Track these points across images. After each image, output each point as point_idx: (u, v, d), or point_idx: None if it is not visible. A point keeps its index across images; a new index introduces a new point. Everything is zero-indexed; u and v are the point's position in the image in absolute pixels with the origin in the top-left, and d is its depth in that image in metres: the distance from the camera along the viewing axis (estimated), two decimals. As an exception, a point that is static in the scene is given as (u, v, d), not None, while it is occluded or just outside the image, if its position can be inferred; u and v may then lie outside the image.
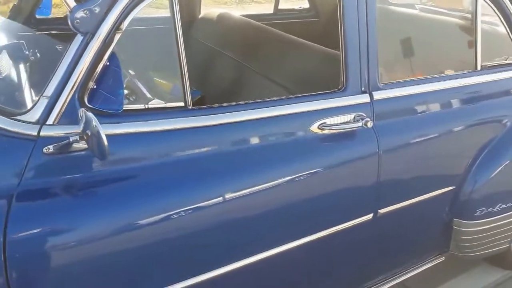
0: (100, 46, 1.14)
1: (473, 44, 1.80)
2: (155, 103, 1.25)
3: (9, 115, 1.14)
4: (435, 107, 1.70)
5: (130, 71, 1.40)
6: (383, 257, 1.77)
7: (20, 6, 2.03)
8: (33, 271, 1.10)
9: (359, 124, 1.47)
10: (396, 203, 1.65)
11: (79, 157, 1.14)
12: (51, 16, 2.06)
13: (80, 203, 1.13)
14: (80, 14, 1.11)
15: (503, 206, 1.90)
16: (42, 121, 1.12)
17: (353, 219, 1.54)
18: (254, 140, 1.37)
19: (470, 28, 1.81)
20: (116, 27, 1.15)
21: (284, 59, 1.85)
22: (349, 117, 1.48)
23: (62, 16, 1.92)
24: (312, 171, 1.43)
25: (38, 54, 1.46)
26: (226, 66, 2.10)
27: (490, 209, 1.87)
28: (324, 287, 1.69)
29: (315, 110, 1.44)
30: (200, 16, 2.59)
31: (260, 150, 1.37)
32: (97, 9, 1.12)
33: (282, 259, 1.43)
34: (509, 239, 2.06)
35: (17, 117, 1.14)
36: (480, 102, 1.81)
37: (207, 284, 1.30)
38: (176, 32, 1.22)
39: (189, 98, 1.26)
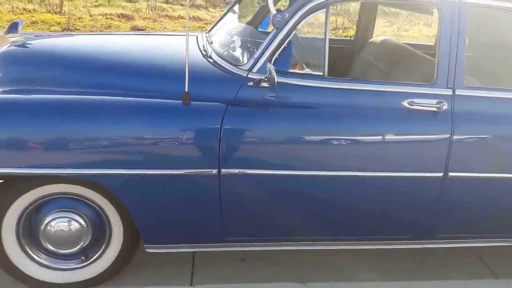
0: (283, 37, 2.19)
1: None
2: (307, 71, 2.25)
3: (235, 65, 2.28)
4: (506, 112, 2.31)
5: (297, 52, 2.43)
6: (450, 217, 2.40)
7: (252, 20, 3.24)
8: (233, 148, 2.18)
9: (437, 106, 2.22)
10: (465, 172, 2.30)
11: (264, 88, 2.20)
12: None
13: (261, 113, 2.19)
14: (277, 17, 2.18)
15: None
16: (249, 69, 2.22)
17: (425, 173, 2.27)
18: (363, 102, 2.25)
19: None
20: (293, 27, 2.19)
21: (406, 65, 2.67)
22: (433, 101, 2.25)
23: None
24: (398, 130, 2.25)
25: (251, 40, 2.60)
26: (365, 67, 3.00)
27: None
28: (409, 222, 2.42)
29: (410, 92, 2.27)
30: (370, 40, 3.51)
31: (367, 109, 2.25)
32: (286, 16, 2.18)
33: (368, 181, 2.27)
34: None
35: (240, 66, 2.26)
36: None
37: None
38: (326, 37, 2.20)
39: (326, 71, 2.22)
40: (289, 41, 2.22)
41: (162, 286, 2.49)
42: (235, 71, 2.26)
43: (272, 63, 2.20)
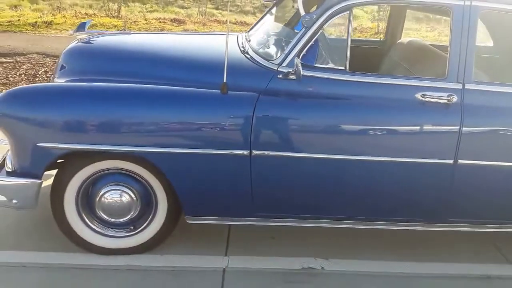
0: (311, 35, 2.49)
1: None
2: (331, 65, 2.54)
3: (268, 60, 2.60)
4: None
5: (321, 49, 2.72)
6: (461, 202, 2.62)
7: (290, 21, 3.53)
8: (263, 132, 2.49)
9: (448, 98, 2.47)
10: (474, 160, 2.53)
11: (292, 80, 2.50)
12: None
13: (289, 102, 2.50)
14: (306, 17, 2.49)
15: None
16: (280, 64, 2.54)
17: (435, 159, 2.52)
18: (380, 94, 2.53)
19: None
20: (320, 27, 2.49)
21: (426, 62, 2.93)
22: (443, 94, 2.50)
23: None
24: (412, 120, 2.51)
25: (284, 39, 2.90)
26: (391, 65, 3.26)
27: None
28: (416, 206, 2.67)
29: (423, 86, 2.53)
30: (398, 40, 3.76)
31: (384, 100, 2.52)
32: (314, 17, 2.48)
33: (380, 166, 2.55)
34: None
35: (272, 61, 2.58)
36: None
37: None
38: (348, 36, 2.49)
39: (347, 66, 2.51)
40: (316, 39, 2.52)
41: (199, 255, 2.82)
42: (267, 65, 2.59)
43: (300, 58, 2.51)
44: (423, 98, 2.51)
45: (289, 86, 2.52)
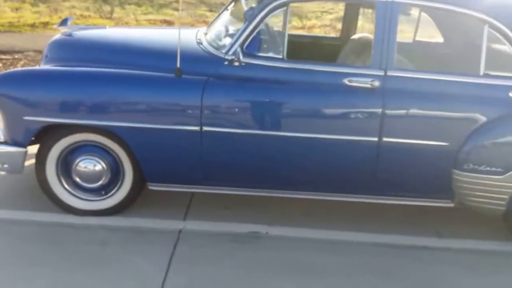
0: (253, 28, 2.91)
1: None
2: (271, 54, 2.94)
3: (218, 49, 3.01)
4: (431, 90, 2.87)
5: (263, 39, 3.11)
6: (387, 176, 2.97)
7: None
8: (211, 110, 2.90)
9: (370, 83, 2.82)
10: (397, 138, 2.88)
11: (237, 67, 2.91)
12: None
13: (233, 85, 2.92)
14: (249, 12, 2.91)
15: (488, 168, 2.83)
16: (226, 52, 2.96)
17: (360, 136, 2.87)
18: (313, 79, 2.91)
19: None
20: (261, 20, 2.89)
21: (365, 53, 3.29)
22: (367, 80, 2.87)
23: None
24: (340, 102, 2.89)
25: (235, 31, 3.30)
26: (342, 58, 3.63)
27: (475, 167, 2.84)
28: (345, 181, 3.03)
29: (350, 72, 2.92)
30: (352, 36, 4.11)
31: (316, 84, 2.90)
32: (255, 12, 2.88)
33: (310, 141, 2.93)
34: (503, 202, 2.91)
35: (220, 50, 3.01)
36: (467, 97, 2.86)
37: None
38: (285, 28, 2.88)
39: (285, 55, 2.91)
40: (258, 31, 2.93)
41: (160, 219, 3.25)
42: (216, 53, 3.03)
43: (244, 48, 2.92)
44: (349, 83, 2.88)
45: (235, 72, 2.94)
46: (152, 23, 10.71)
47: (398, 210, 3.39)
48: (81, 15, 10.95)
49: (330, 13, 12.66)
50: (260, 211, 3.40)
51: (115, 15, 11.68)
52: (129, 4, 13.01)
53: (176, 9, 13.16)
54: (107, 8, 11.57)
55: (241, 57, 2.85)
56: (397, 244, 3.13)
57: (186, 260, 2.86)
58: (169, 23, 10.85)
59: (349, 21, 4.10)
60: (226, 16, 3.40)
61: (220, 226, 3.22)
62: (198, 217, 3.31)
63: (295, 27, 11.73)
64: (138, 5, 13.15)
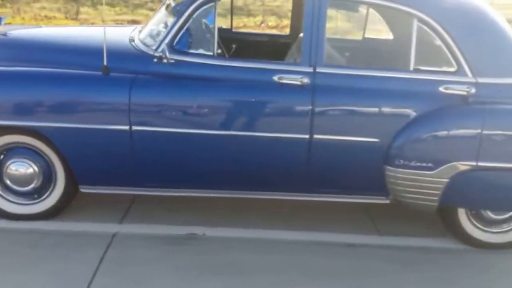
0: (181, 24, 2.85)
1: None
2: (201, 51, 2.89)
3: (148, 46, 2.96)
4: (361, 86, 2.84)
5: (193, 36, 3.06)
6: (320, 173, 2.94)
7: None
8: (139, 109, 2.84)
9: (300, 80, 2.78)
10: (328, 134, 2.84)
11: (167, 64, 2.84)
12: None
13: (162, 82, 2.85)
14: (176, 8, 2.84)
15: (418, 164, 2.80)
16: (156, 49, 2.88)
17: (291, 133, 2.83)
18: (243, 76, 2.86)
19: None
20: (189, 16, 2.84)
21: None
22: (297, 76, 2.83)
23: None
24: (270, 99, 2.85)
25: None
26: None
27: (406, 162, 2.81)
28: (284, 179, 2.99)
29: (280, 69, 2.88)
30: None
31: (246, 81, 2.85)
32: (183, 8, 2.83)
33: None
34: (435, 198, 2.89)
35: (150, 47, 2.94)
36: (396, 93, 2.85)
37: None
38: (215, 25, 2.84)
39: (215, 51, 2.86)
40: (188, 28, 2.87)
41: (95, 222, 3.17)
42: (146, 51, 2.96)
43: (174, 44, 2.86)
44: (280, 80, 2.84)
45: (164, 69, 2.88)
46: (119, 22, 10.62)
47: (340, 208, 3.36)
48: (46, 16, 10.83)
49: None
50: (201, 212, 3.34)
51: (84, 16, 11.57)
52: (101, 4, 12.91)
53: (152, 9, 13.10)
54: (72, 8, 11.46)
55: (167, 54, 2.79)
56: (334, 242, 3.09)
57: (117, 262, 2.79)
58: (137, 23, 10.78)
59: (297, 19, 4.06)
60: (161, 12, 3.33)
61: (158, 229, 3.15)
62: (136, 220, 3.24)
63: (270, 27, 11.78)
64: (112, 5, 13.06)
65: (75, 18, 10.97)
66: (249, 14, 14.23)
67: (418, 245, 3.12)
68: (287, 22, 11.68)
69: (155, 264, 2.79)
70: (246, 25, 11.99)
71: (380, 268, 2.85)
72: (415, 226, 3.29)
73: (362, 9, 4.05)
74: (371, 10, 3.79)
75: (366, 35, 4.07)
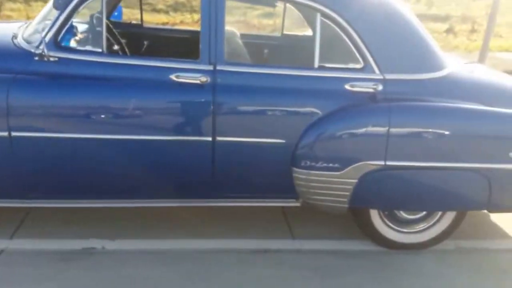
0: (65, 18, 2.58)
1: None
2: (88, 48, 2.62)
3: (29, 43, 2.66)
4: (265, 85, 2.68)
5: (80, 31, 2.80)
6: (226, 177, 2.75)
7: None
8: (19, 112, 2.54)
9: (199, 79, 2.58)
10: (232, 136, 2.66)
11: (51, 62, 2.57)
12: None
13: (44, 82, 2.56)
14: (58, 1, 2.56)
15: (325, 164, 2.67)
16: (37, 46, 2.59)
17: (193, 136, 2.63)
18: (137, 75, 2.62)
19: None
20: (73, 10, 2.57)
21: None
22: (196, 75, 2.62)
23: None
24: (167, 99, 2.63)
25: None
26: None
27: (313, 163, 2.68)
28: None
29: (177, 67, 2.64)
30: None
31: (140, 80, 2.62)
32: (67, 1, 2.56)
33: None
34: (345, 199, 2.77)
35: (31, 44, 2.65)
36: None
37: None
38: (103, 19, 2.59)
39: (104, 48, 2.60)
40: (73, 23, 2.60)
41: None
42: (27, 48, 2.66)
43: (59, 41, 2.59)
44: (177, 79, 2.62)
45: (47, 68, 2.59)
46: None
47: (255, 213, 3.20)
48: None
49: (256, 9, 12.55)
50: (102, 224, 3.08)
51: (10, 13, 10.94)
52: (36, 1, 12.26)
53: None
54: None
55: (46, 51, 2.51)
56: (245, 249, 2.92)
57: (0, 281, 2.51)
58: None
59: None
60: (48, 7, 3.03)
61: (53, 244, 2.87)
62: (29, 235, 2.94)
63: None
64: (45, 1, 12.41)
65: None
66: (192, 10, 13.91)
67: (334, 248, 3.00)
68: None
69: (41, 283, 2.52)
70: (183, 21, 11.68)
71: (287, 275, 2.70)
72: (333, 228, 3.17)
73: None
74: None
75: (285, 31, 3.95)
